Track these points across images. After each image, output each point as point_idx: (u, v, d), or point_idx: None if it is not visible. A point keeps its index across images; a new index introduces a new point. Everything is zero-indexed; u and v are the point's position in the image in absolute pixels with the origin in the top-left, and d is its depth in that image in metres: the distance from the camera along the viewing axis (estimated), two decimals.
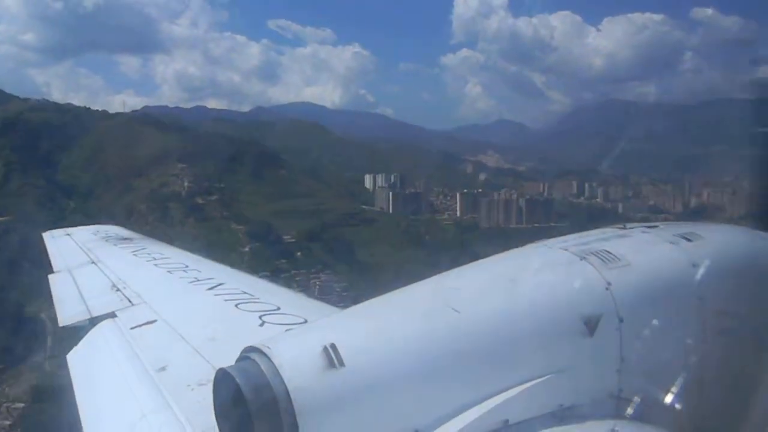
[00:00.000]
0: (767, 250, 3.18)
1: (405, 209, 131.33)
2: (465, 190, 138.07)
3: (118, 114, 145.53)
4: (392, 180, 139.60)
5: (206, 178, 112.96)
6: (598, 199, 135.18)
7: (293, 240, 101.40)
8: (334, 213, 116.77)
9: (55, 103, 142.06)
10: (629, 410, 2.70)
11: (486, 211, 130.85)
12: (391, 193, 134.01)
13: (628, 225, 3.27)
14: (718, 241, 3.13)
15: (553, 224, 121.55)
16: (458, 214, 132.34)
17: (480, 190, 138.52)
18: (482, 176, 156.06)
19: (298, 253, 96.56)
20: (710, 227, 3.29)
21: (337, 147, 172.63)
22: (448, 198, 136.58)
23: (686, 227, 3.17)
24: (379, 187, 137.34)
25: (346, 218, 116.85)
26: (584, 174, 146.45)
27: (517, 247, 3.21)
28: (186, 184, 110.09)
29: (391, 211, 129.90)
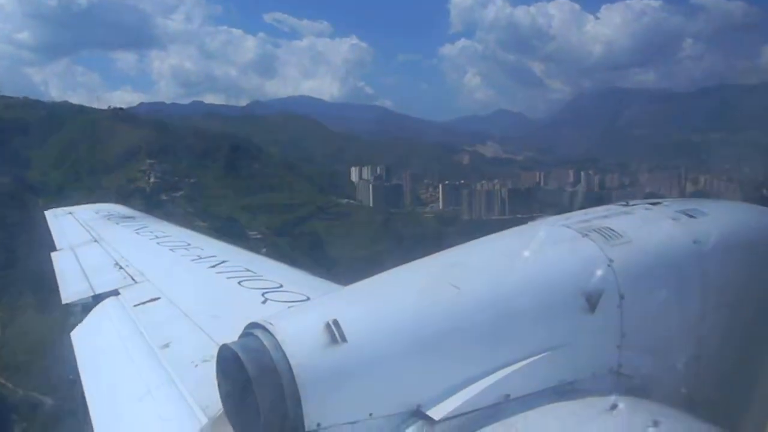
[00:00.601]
0: None
1: (386, 202, 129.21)
2: (447, 182, 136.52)
3: (94, 110, 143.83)
4: (378, 172, 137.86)
5: (175, 173, 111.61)
6: (594, 188, 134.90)
7: (259, 236, 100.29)
8: (307, 207, 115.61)
9: (29, 99, 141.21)
10: (629, 386, 2.71)
11: (467, 203, 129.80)
12: (371, 186, 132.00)
13: (631, 202, 3.28)
14: (720, 217, 3.12)
15: (536, 214, 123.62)
16: (441, 206, 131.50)
17: (462, 181, 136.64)
18: (466, 161, 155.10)
19: (263, 249, 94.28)
20: (713, 203, 3.29)
21: (330, 140, 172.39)
22: (436, 190, 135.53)
23: (689, 203, 3.17)
24: (361, 180, 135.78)
25: (319, 212, 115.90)
26: (582, 163, 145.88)
27: None
28: (151, 180, 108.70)
29: (371, 204, 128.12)
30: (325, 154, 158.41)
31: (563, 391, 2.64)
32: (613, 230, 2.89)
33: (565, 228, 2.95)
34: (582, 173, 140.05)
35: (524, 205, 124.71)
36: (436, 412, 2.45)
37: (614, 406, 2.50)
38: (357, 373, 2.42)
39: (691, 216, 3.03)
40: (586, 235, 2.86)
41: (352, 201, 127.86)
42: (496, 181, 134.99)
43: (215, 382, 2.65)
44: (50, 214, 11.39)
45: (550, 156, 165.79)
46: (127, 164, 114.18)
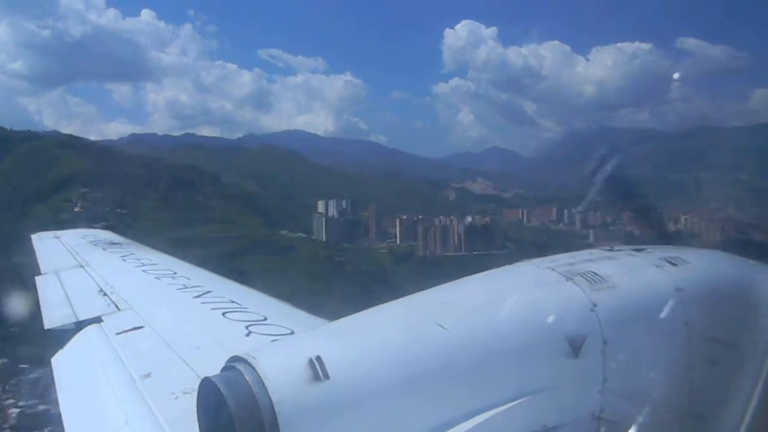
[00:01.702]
0: (748, 276, 3.21)
1: (340, 237, 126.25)
2: (404, 216, 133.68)
3: (39, 136, 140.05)
4: (344, 206, 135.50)
5: (107, 203, 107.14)
6: (575, 226, 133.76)
7: None
8: (243, 241, 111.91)
9: None
10: (611, 431, 2.72)
11: (423, 238, 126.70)
12: (324, 220, 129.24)
13: (615, 247, 3.30)
14: (702, 266, 3.16)
15: (494, 252, 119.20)
16: (398, 241, 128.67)
17: (420, 216, 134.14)
18: (452, 196, 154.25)
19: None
20: (695, 252, 3.32)
21: (314, 174, 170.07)
22: (402, 225, 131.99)
23: (671, 251, 3.20)
24: (316, 213, 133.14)
25: (257, 246, 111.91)
26: (566, 200, 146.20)
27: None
28: (76, 209, 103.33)
29: (324, 238, 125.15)
30: (304, 187, 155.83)
31: None
32: (597, 275, 2.91)
33: (550, 271, 2.97)
34: (565, 211, 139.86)
35: (482, 241, 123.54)
36: None
37: None
38: (339, 410, 2.40)
39: (673, 264, 3.06)
40: (571, 278, 2.88)
41: (304, 235, 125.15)
42: (452, 217, 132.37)
43: (195, 415, 2.62)
44: (36, 238, 11.29)
45: (540, 193, 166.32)
46: (59, 193, 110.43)
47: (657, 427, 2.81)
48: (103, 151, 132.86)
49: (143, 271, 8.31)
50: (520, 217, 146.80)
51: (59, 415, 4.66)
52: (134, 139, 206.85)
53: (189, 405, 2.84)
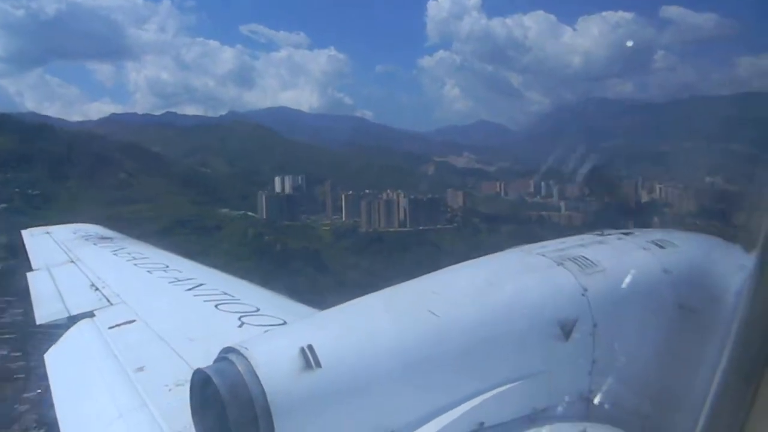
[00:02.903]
0: (732, 258, 3.19)
1: (281, 215, 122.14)
2: (350, 192, 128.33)
3: None
4: (299, 182, 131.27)
5: (18, 183, 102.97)
6: (552, 198, 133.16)
7: None
8: (167, 220, 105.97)
9: None
10: (601, 412, 2.76)
11: (366, 214, 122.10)
12: (265, 197, 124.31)
13: (605, 231, 3.33)
14: (689, 249, 3.20)
15: (441, 226, 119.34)
16: (343, 217, 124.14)
17: (368, 191, 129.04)
18: (431, 171, 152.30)
19: None
20: (682, 235, 3.37)
21: (285, 150, 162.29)
22: (358, 200, 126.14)
23: (659, 234, 3.25)
24: (261, 191, 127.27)
25: (179, 224, 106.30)
26: (547, 173, 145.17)
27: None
28: None
29: (265, 216, 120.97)
30: (276, 165, 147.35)
31: (536, 418, 2.68)
32: (587, 259, 2.94)
33: (541, 256, 2.99)
34: (542, 183, 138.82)
35: (428, 216, 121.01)
36: None
37: None
38: (331, 398, 2.42)
39: (661, 246, 3.09)
40: (561, 263, 2.91)
41: (250, 213, 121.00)
42: (398, 191, 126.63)
43: (189, 407, 2.63)
44: (27, 234, 11.28)
45: (525, 166, 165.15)
46: None
47: (646, 408, 2.83)
48: (32, 129, 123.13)
49: (135, 265, 8.31)
50: (498, 190, 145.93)
51: (53, 410, 4.67)
52: (113, 119, 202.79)
53: (182, 397, 2.85)
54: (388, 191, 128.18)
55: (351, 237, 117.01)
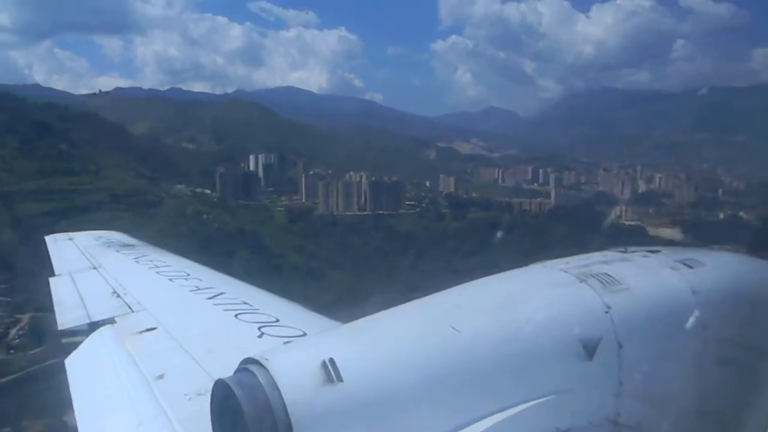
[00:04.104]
0: (766, 278, 3.21)
1: (236, 193, 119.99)
2: (311, 172, 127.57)
3: None
4: (272, 161, 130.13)
5: None
6: (548, 186, 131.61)
7: None
8: (101, 193, 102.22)
9: None
10: None
11: (324, 195, 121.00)
12: (218, 175, 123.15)
13: (630, 249, 3.29)
14: (718, 269, 3.15)
15: (402, 211, 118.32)
16: (303, 198, 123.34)
17: (330, 172, 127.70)
18: (432, 156, 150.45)
19: None
20: (711, 254, 3.31)
21: (279, 130, 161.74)
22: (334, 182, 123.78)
23: (687, 253, 3.20)
24: (219, 168, 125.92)
25: (113, 199, 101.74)
26: (548, 160, 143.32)
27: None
28: None
29: (218, 193, 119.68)
30: (264, 144, 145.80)
31: None
32: (611, 276, 2.91)
33: (564, 273, 2.97)
34: (540, 171, 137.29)
35: (389, 200, 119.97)
36: None
37: None
38: (352, 413, 2.41)
39: (689, 266, 3.05)
40: (584, 280, 2.88)
41: (206, 191, 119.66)
42: (362, 173, 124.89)
43: (208, 417, 2.65)
44: (50, 240, 11.35)
45: (531, 153, 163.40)
46: None
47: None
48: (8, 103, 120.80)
49: (156, 272, 8.35)
50: (496, 176, 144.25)
51: (73, 416, 4.68)
52: (116, 93, 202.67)
53: (202, 406, 2.88)
54: (351, 173, 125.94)
55: (305, 219, 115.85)
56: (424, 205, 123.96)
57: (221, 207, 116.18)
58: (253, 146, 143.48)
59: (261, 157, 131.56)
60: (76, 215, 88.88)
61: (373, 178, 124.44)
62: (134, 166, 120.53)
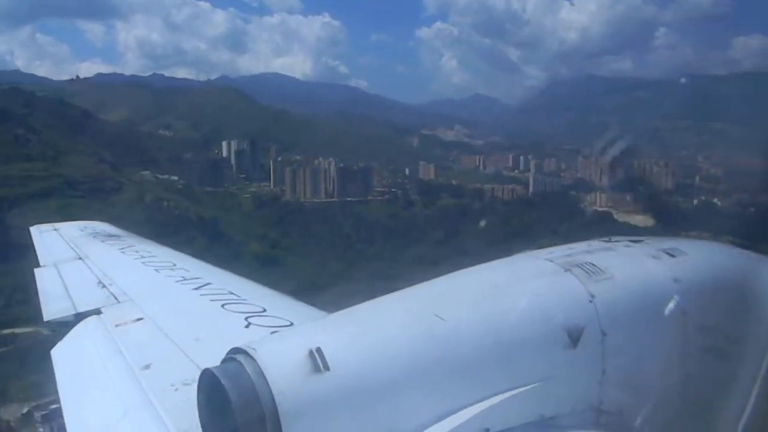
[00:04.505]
0: (748, 267, 3.24)
1: (204, 180, 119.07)
2: (279, 158, 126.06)
3: None
4: (244, 147, 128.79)
5: None
6: (528, 173, 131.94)
7: None
8: (57, 179, 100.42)
9: None
10: (609, 422, 2.76)
11: (291, 182, 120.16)
12: (185, 161, 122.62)
13: (614, 238, 3.33)
14: (700, 258, 3.19)
15: (371, 198, 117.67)
16: (272, 185, 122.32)
17: (298, 158, 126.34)
18: (415, 143, 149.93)
19: None
20: (693, 243, 3.36)
21: (256, 116, 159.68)
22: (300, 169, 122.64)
23: (670, 243, 3.23)
24: (187, 156, 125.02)
25: (71, 186, 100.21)
26: (530, 147, 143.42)
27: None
28: None
29: (185, 180, 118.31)
30: (240, 131, 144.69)
31: (543, 426, 2.69)
32: (595, 266, 2.94)
33: (549, 262, 3.00)
34: (521, 158, 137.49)
35: (357, 187, 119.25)
36: None
37: None
38: (339, 402, 2.44)
39: (671, 255, 3.08)
40: (569, 269, 2.91)
41: (172, 177, 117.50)
42: (330, 159, 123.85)
43: (195, 407, 2.65)
44: (35, 230, 11.22)
45: (514, 141, 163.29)
46: None
47: (657, 419, 2.85)
48: None
49: (142, 263, 8.31)
50: (477, 164, 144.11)
51: (59, 407, 4.70)
52: (96, 79, 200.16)
53: (189, 396, 2.90)
54: (320, 159, 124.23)
55: (270, 206, 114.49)
56: (393, 191, 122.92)
57: (185, 194, 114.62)
58: (231, 133, 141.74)
59: (234, 144, 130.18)
60: (26, 202, 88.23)
61: (341, 165, 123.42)
62: (98, 152, 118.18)
